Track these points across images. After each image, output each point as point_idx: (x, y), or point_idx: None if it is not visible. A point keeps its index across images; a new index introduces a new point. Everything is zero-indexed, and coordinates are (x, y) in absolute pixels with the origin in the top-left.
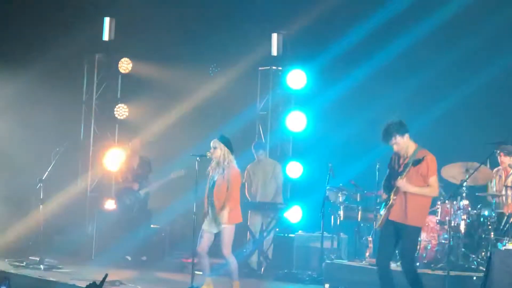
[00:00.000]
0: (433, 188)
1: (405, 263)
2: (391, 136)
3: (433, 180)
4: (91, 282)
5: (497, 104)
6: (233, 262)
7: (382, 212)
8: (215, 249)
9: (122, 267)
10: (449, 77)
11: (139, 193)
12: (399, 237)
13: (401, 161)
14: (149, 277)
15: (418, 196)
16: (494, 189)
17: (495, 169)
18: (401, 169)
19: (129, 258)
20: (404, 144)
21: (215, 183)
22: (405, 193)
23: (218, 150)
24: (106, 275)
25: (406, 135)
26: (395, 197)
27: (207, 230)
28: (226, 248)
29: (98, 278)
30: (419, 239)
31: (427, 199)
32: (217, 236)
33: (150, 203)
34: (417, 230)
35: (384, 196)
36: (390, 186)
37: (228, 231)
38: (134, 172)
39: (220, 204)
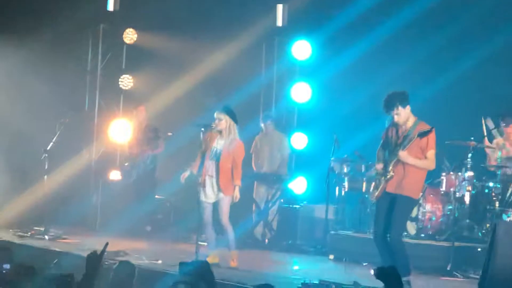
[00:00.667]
0: (430, 161)
1: (394, 233)
2: (393, 106)
3: (431, 153)
4: (92, 252)
5: (502, 76)
6: (230, 231)
7: (378, 184)
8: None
9: (127, 238)
10: (455, 48)
11: (147, 162)
12: (394, 208)
13: (400, 132)
14: (154, 248)
15: (416, 169)
16: (499, 160)
17: (495, 141)
18: (400, 140)
19: (149, 228)
20: (405, 115)
21: (220, 155)
22: (403, 165)
23: (224, 122)
24: (106, 244)
25: (408, 107)
26: (393, 169)
27: (206, 201)
28: (225, 216)
29: (102, 248)
30: (424, 210)
31: (423, 172)
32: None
33: (156, 174)
34: (412, 202)
35: (380, 166)
36: (385, 157)
37: (227, 200)
38: (144, 137)
39: (225, 176)
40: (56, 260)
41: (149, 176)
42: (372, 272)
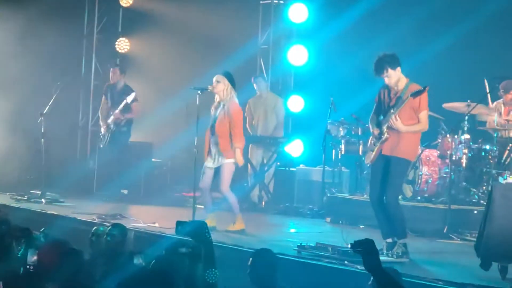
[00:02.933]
0: (423, 123)
1: (390, 195)
2: (383, 68)
3: (424, 114)
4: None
5: (502, 38)
6: (231, 197)
7: (374, 147)
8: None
9: (123, 201)
10: (453, 11)
11: (121, 125)
12: (389, 170)
13: (391, 94)
14: (150, 211)
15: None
16: (496, 122)
17: (495, 102)
18: (392, 102)
19: (125, 192)
20: (395, 77)
21: (217, 119)
22: None
23: (221, 85)
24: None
25: (398, 68)
26: (388, 131)
27: (207, 166)
28: (225, 184)
29: (100, 211)
30: (421, 173)
31: (419, 134)
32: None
33: (150, 137)
34: (408, 164)
35: (376, 131)
36: (379, 120)
37: (229, 167)
38: (112, 100)
39: (223, 140)
40: (43, 229)
41: (121, 140)
42: (349, 246)
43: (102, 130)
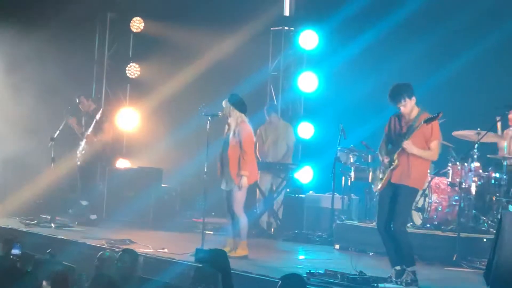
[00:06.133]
0: (434, 152)
1: (398, 223)
2: (400, 97)
3: (435, 144)
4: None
5: (509, 66)
6: (243, 221)
7: (382, 175)
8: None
9: (133, 227)
10: (462, 38)
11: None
12: (397, 198)
13: (402, 123)
14: (159, 236)
15: (420, 159)
16: (505, 151)
17: (506, 130)
18: (403, 130)
19: (94, 217)
20: (410, 106)
21: (228, 144)
22: (408, 155)
23: (225, 109)
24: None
25: (413, 98)
26: (398, 159)
27: (223, 189)
28: (237, 205)
29: (109, 236)
30: (430, 201)
31: (428, 163)
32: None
33: (161, 163)
34: (416, 192)
35: (386, 159)
36: (388, 149)
37: (238, 189)
38: (89, 121)
39: (233, 165)
40: (49, 250)
41: (91, 162)
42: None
43: None
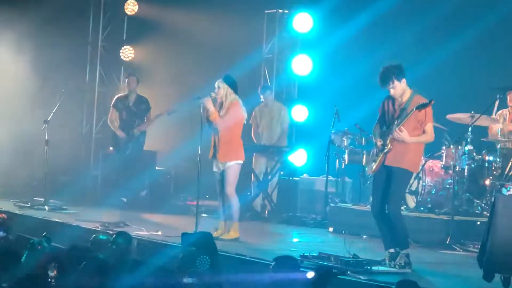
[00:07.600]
0: (429, 135)
1: (392, 205)
2: (389, 80)
3: (429, 126)
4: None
5: (506, 48)
6: (235, 203)
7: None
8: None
9: (126, 209)
10: (457, 20)
11: (138, 135)
12: (391, 181)
13: (396, 105)
14: (154, 219)
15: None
16: (499, 134)
17: (499, 111)
18: (397, 114)
19: (124, 199)
20: (400, 88)
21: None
22: None
23: (222, 90)
24: None
25: (403, 80)
26: (391, 142)
27: (215, 171)
28: (229, 186)
29: (103, 219)
30: (424, 184)
31: (422, 145)
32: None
33: (155, 146)
34: (410, 175)
35: (380, 142)
36: (382, 131)
37: (232, 169)
38: (128, 110)
39: (224, 143)
40: (44, 233)
41: (140, 150)
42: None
43: (122, 138)
